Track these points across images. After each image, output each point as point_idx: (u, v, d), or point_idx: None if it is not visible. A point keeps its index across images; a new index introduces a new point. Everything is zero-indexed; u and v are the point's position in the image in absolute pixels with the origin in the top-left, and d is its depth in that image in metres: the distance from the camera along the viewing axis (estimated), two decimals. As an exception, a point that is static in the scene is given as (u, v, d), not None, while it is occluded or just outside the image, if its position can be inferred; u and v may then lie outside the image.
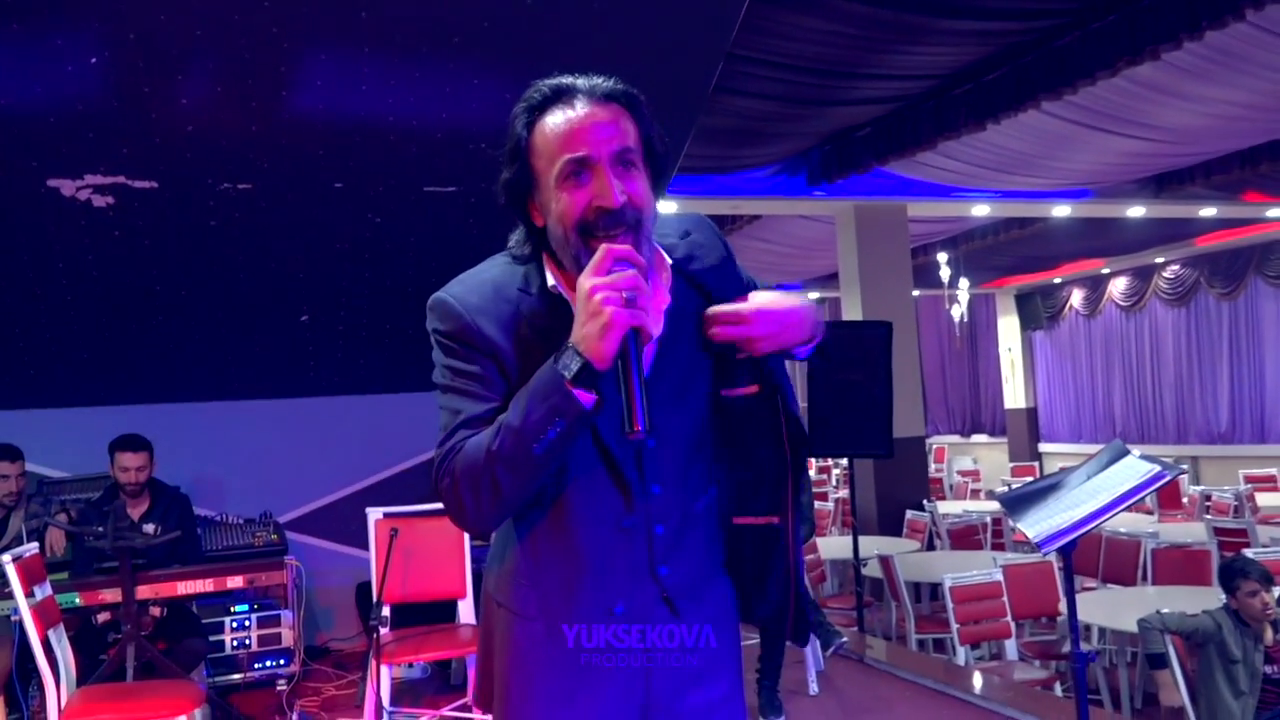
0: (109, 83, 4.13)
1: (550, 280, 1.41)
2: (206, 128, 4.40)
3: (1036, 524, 2.59)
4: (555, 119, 1.35)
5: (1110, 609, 5.10)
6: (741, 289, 1.48)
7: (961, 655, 5.07)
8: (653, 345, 1.39)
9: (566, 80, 1.38)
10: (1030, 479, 6.18)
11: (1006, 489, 6.91)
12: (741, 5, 4.48)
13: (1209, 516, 7.81)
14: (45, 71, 4.03)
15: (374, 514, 4.10)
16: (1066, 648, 4.28)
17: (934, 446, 15.75)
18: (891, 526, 8.56)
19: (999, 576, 5.19)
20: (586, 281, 1.27)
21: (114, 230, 4.72)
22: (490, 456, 1.29)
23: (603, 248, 1.29)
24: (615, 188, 1.32)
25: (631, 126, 1.38)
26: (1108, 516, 2.50)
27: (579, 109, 1.35)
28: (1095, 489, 2.54)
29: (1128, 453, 2.66)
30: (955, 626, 5.06)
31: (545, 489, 1.40)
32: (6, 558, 3.30)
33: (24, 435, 4.64)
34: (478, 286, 1.42)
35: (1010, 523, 7.67)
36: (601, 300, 1.25)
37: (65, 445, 5.31)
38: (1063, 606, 4.94)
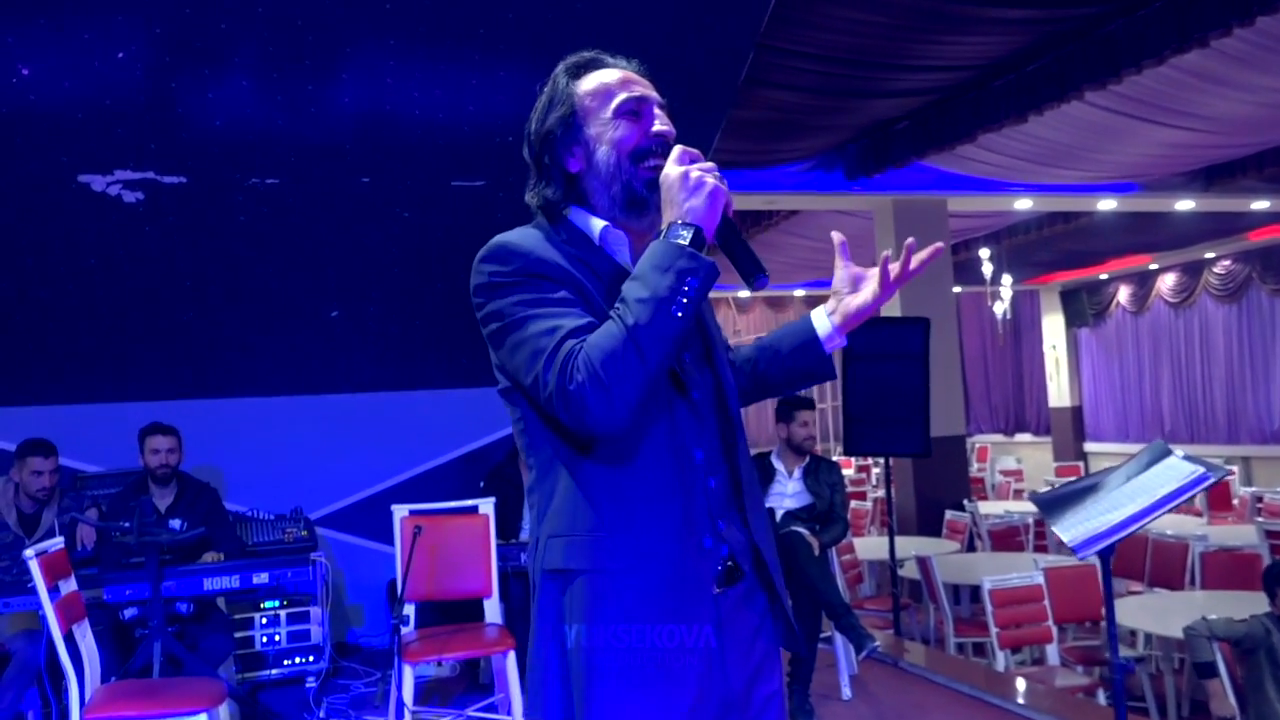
0: (137, 78, 4.14)
1: (597, 223, 1.50)
2: (234, 123, 4.40)
3: (1073, 527, 2.47)
4: (606, 71, 1.52)
5: (1157, 614, 4.93)
6: None
7: (1001, 660, 4.94)
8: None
9: (600, 54, 1.55)
10: (1071, 479, 6.03)
11: (1049, 489, 6.75)
12: (772, -6, 4.40)
13: (1260, 519, 7.57)
14: (74, 67, 4.05)
15: (399, 511, 4.06)
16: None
17: (976, 445, 15.48)
18: (930, 527, 8.40)
19: (1040, 579, 5.04)
20: (676, 168, 1.40)
21: (144, 226, 4.74)
22: (632, 332, 1.31)
23: (677, 148, 1.43)
24: (669, 124, 1.50)
25: None
26: (1148, 520, 2.38)
27: (625, 66, 1.54)
28: (1135, 491, 2.42)
29: (1170, 453, 2.53)
30: (995, 630, 4.92)
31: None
32: (30, 553, 3.30)
33: (57, 430, 4.67)
34: (525, 235, 1.50)
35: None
36: (699, 176, 1.37)
37: (97, 440, 5.35)
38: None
